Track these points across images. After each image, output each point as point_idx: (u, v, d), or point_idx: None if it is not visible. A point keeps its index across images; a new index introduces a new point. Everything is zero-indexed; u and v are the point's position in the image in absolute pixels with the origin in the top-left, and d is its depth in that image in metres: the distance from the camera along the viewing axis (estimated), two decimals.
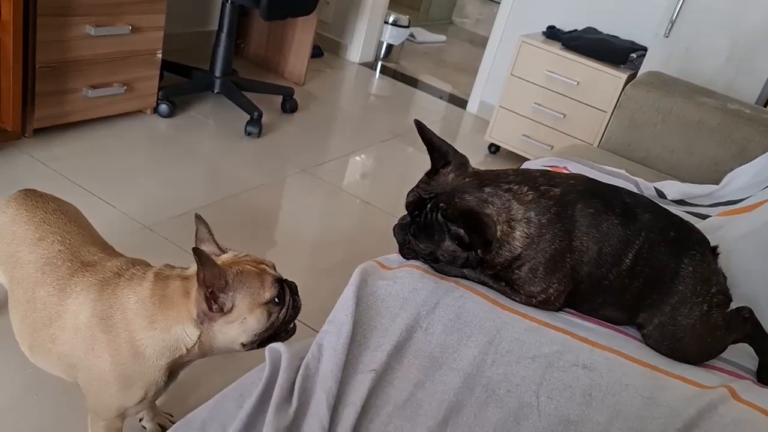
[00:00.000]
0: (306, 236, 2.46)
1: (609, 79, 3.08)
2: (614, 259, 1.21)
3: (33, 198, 1.35)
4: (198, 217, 1.23)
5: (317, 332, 1.11)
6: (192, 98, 3.17)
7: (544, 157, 2.04)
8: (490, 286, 1.25)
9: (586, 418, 1.04)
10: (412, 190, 1.25)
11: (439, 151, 1.25)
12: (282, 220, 2.54)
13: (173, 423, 1.19)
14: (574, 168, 1.83)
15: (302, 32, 3.67)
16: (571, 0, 3.58)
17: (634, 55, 3.17)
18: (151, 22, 2.65)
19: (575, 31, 3.44)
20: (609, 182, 1.41)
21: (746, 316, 1.28)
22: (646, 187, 1.87)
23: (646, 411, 1.05)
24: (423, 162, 1.28)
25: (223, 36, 3.07)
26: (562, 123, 3.25)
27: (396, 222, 1.30)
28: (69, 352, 1.20)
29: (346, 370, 1.04)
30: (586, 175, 1.46)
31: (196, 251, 1.05)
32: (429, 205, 1.20)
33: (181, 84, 3.11)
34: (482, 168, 1.28)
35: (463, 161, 1.25)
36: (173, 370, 1.20)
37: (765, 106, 2.69)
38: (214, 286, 1.08)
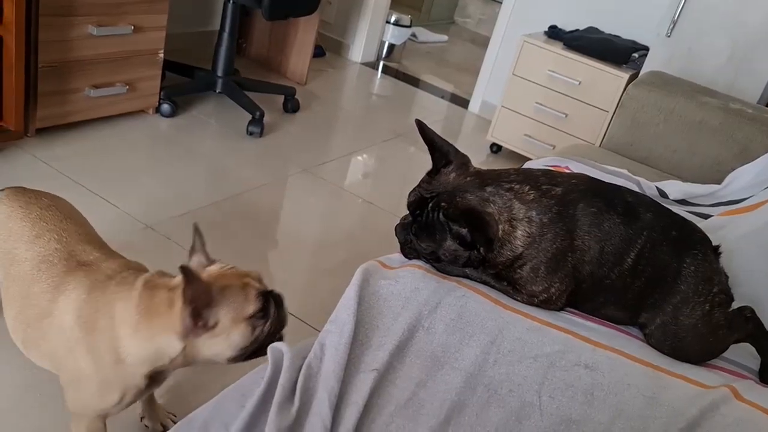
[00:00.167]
0: (308, 236, 2.46)
1: (611, 78, 3.07)
2: (616, 258, 1.21)
3: (26, 195, 1.34)
4: (196, 228, 1.22)
5: (319, 331, 1.11)
6: (194, 98, 3.17)
7: (546, 156, 2.04)
8: (492, 286, 1.25)
9: (588, 418, 1.04)
10: (414, 189, 1.25)
11: (441, 151, 1.25)
12: (284, 219, 2.55)
13: (175, 423, 1.19)
14: (576, 168, 1.83)
15: (304, 32, 3.67)
16: (573, 0, 3.57)
17: (635, 55, 3.17)
18: (153, 21, 2.65)
19: (577, 30, 3.44)
20: (611, 182, 1.41)
21: (748, 315, 1.28)
22: (648, 187, 1.87)
23: (648, 411, 1.05)
24: (425, 161, 1.28)
25: (225, 36, 3.08)
26: (563, 123, 3.25)
27: (397, 222, 1.30)
28: (54, 350, 1.20)
29: (348, 369, 1.04)
30: (588, 174, 1.45)
31: (183, 269, 1.04)
32: (430, 205, 1.20)
33: (183, 84, 3.11)
34: (484, 168, 1.28)
35: (464, 161, 1.26)
36: (156, 377, 1.19)
37: (767, 106, 2.69)
38: (198, 302, 1.07)
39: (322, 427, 0.96)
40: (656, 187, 1.88)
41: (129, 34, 2.57)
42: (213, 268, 1.17)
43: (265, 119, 3.02)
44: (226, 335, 1.11)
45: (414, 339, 1.11)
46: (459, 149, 1.26)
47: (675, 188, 1.90)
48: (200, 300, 1.07)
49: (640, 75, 2.67)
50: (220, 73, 3.12)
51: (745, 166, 1.94)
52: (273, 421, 0.94)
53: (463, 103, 4.25)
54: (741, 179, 1.90)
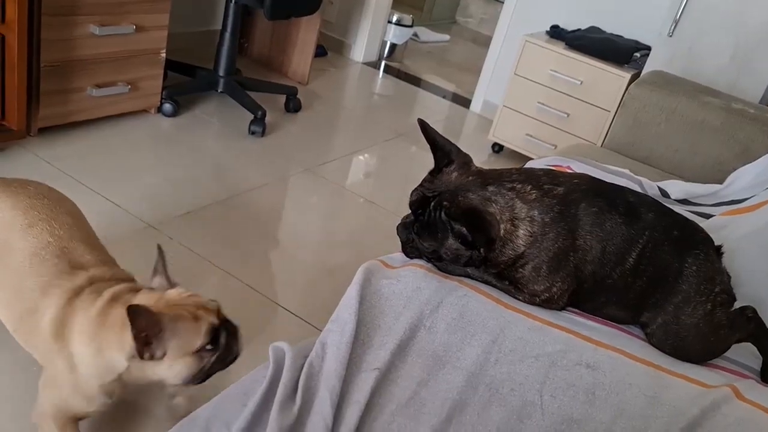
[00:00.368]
0: (309, 235, 2.46)
1: (613, 78, 3.07)
2: (618, 258, 1.21)
3: (11, 184, 1.36)
4: (159, 249, 1.25)
5: (321, 331, 1.11)
6: (196, 97, 3.17)
7: (548, 156, 2.04)
8: (494, 285, 1.25)
9: (590, 417, 1.04)
10: (416, 188, 1.26)
11: (443, 150, 1.25)
12: (285, 219, 2.55)
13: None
14: (578, 167, 1.83)
15: (306, 32, 3.67)
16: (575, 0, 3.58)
17: (637, 55, 3.17)
18: (155, 21, 2.65)
19: (579, 30, 3.44)
20: (613, 182, 1.41)
21: (750, 315, 1.28)
22: (650, 187, 1.87)
23: (649, 410, 1.05)
24: (426, 161, 1.28)
25: (227, 35, 3.08)
26: (565, 122, 3.25)
27: (399, 221, 1.30)
28: (34, 348, 1.25)
29: (349, 368, 1.04)
30: (590, 174, 1.46)
31: (129, 308, 1.05)
32: (432, 204, 1.21)
33: (185, 83, 3.12)
34: (486, 167, 1.28)
35: (466, 160, 1.26)
36: (120, 390, 1.22)
37: None
38: (149, 332, 1.09)
39: (324, 426, 0.96)
40: (658, 186, 1.88)
41: (131, 33, 2.57)
42: (172, 293, 1.19)
43: (267, 119, 3.02)
44: (170, 365, 1.13)
45: (415, 338, 1.12)
46: (461, 149, 1.26)
47: (677, 188, 1.90)
48: (150, 330, 1.09)
49: (641, 75, 2.67)
50: (221, 72, 3.12)
51: (747, 166, 1.94)
52: (275, 420, 0.95)
53: (465, 102, 4.25)
54: (742, 179, 1.90)
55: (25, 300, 1.23)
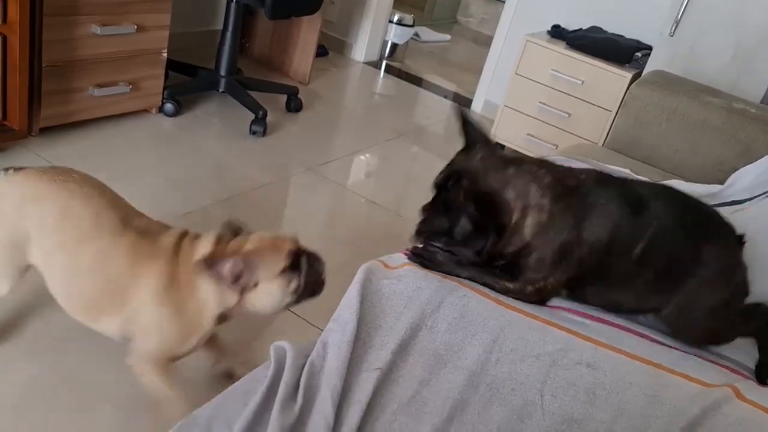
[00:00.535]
0: (310, 235, 2.46)
1: (614, 78, 3.07)
2: (625, 247, 1.22)
3: (41, 172, 1.46)
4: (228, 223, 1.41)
5: (322, 330, 1.11)
6: (197, 97, 3.17)
7: (548, 156, 2.04)
8: (492, 287, 1.25)
9: (590, 417, 1.04)
10: (445, 166, 1.30)
11: (474, 133, 1.29)
12: (287, 218, 2.55)
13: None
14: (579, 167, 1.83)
15: (307, 31, 3.67)
16: None
17: (638, 54, 3.17)
18: (157, 21, 2.66)
19: (580, 30, 3.44)
20: None
21: (762, 311, 1.31)
22: None
23: (649, 409, 1.06)
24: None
25: (228, 35, 3.08)
26: (566, 122, 3.25)
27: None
28: (135, 308, 1.35)
29: (351, 368, 1.05)
30: None
31: (205, 261, 1.26)
32: (451, 182, 1.24)
33: (186, 83, 3.12)
34: None
35: (493, 146, 1.30)
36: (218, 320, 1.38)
37: None
38: (234, 272, 1.27)
39: (325, 425, 0.97)
40: None
41: (132, 33, 2.57)
42: (255, 235, 1.36)
43: (268, 118, 3.02)
44: (264, 290, 1.30)
45: (417, 338, 1.12)
46: (489, 137, 1.31)
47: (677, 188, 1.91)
48: (239, 270, 1.27)
49: (643, 74, 2.67)
50: (223, 72, 3.12)
51: (748, 166, 1.94)
52: (276, 420, 0.95)
53: (466, 102, 4.25)
54: (744, 179, 1.90)
55: (108, 273, 1.34)
